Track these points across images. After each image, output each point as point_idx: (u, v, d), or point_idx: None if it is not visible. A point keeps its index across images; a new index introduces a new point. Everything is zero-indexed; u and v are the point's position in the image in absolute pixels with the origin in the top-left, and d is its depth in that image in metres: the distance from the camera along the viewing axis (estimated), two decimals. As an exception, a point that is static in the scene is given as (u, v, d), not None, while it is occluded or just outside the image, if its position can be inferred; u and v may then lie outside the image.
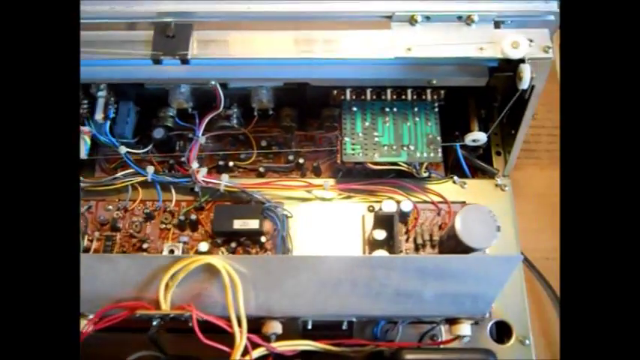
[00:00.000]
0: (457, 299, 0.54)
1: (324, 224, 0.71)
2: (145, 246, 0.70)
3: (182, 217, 0.70)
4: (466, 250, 0.63)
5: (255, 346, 0.53)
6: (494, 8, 0.62)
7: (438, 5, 0.62)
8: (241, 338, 0.52)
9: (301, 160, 0.76)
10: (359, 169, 0.73)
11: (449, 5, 0.62)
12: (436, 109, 0.71)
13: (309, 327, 0.56)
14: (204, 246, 0.68)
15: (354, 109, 0.70)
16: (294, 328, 0.58)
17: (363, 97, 0.71)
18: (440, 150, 0.69)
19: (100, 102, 0.71)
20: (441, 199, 0.72)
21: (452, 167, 0.77)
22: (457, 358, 0.53)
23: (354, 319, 0.55)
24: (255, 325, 0.55)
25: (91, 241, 0.70)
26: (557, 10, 0.62)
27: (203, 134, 0.74)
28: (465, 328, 0.56)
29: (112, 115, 0.73)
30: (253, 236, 0.69)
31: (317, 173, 0.76)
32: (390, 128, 0.70)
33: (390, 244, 0.67)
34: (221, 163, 0.76)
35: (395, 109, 0.70)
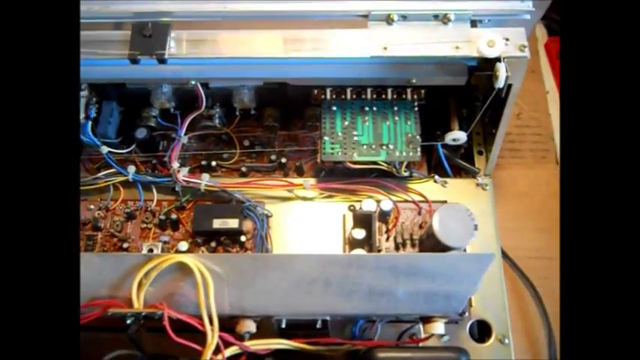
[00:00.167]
0: (430, 297, 0.54)
1: (305, 224, 0.72)
2: (125, 245, 0.70)
3: (163, 217, 0.71)
4: (444, 249, 0.63)
5: (227, 344, 0.53)
6: (471, 7, 0.62)
7: (415, 4, 0.62)
8: (212, 337, 0.52)
9: (284, 160, 0.76)
10: (341, 169, 0.73)
11: (425, 4, 0.62)
12: (416, 109, 0.71)
13: (283, 326, 0.56)
14: (183, 245, 0.68)
15: (334, 108, 0.70)
16: (271, 327, 0.58)
17: (343, 96, 0.71)
18: (419, 149, 0.69)
19: (81, 102, 0.71)
20: (422, 199, 0.72)
21: (434, 167, 0.77)
22: (428, 356, 0.53)
23: (327, 318, 0.55)
24: (230, 324, 0.56)
25: (73, 240, 0.70)
26: (533, 9, 0.62)
27: (186, 134, 0.74)
28: (438, 327, 0.56)
29: (93, 115, 0.73)
30: (233, 236, 0.69)
31: (300, 173, 0.76)
32: (370, 127, 0.70)
33: (369, 243, 0.67)
34: (204, 162, 0.76)
35: (375, 109, 0.70)
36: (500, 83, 0.60)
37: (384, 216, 0.70)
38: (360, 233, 0.67)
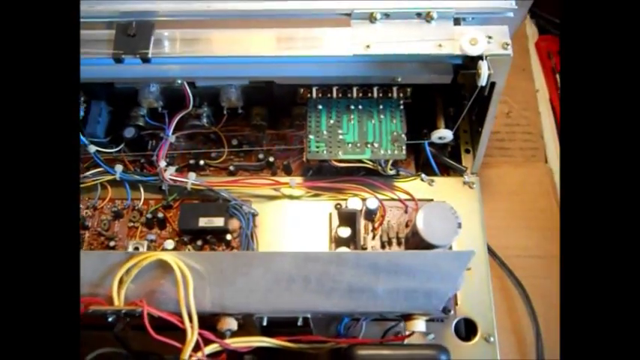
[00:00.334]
0: (410, 295, 0.54)
1: (292, 222, 0.72)
2: (112, 244, 0.71)
3: (149, 216, 0.71)
4: (429, 246, 0.63)
5: (207, 342, 0.53)
6: (454, 5, 0.62)
7: (398, 3, 0.62)
8: (192, 334, 0.52)
9: (271, 159, 0.76)
10: (328, 168, 0.73)
11: (408, 3, 0.62)
12: (401, 107, 0.71)
13: (265, 324, 0.56)
14: (170, 244, 0.69)
15: (320, 107, 0.71)
16: (255, 325, 0.58)
17: (329, 95, 0.71)
18: (404, 147, 0.69)
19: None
20: (408, 197, 0.72)
21: (422, 165, 0.77)
22: (407, 353, 0.53)
23: (308, 316, 0.55)
24: (211, 321, 0.56)
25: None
26: (516, 7, 0.62)
27: (174, 133, 0.74)
28: (419, 324, 0.56)
29: (81, 115, 0.73)
30: (219, 234, 0.69)
31: (287, 172, 0.77)
32: (355, 126, 0.70)
33: (355, 241, 0.67)
34: (192, 161, 0.77)
35: (360, 107, 0.71)
36: (482, 81, 0.60)
37: (370, 214, 0.71)
38: (345, 231, 0.67)
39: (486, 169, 0.84)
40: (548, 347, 0.74)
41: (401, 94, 0.71)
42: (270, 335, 0.57)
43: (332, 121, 0.70)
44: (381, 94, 0.71)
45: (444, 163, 0.75)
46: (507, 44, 0.61)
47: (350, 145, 0.69)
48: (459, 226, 0.63)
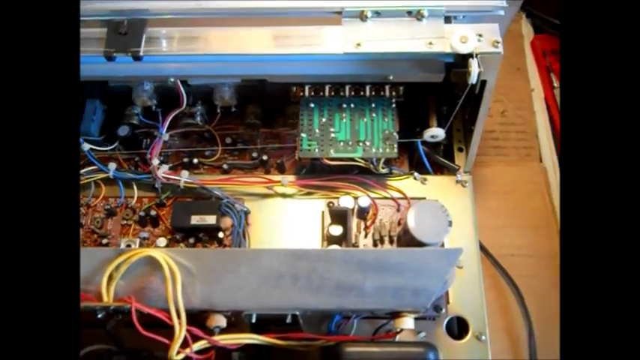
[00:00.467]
0: (398, 292, 0.54)
1: (284, 220, 0.72)
2: (105, 242, 0.71)
3: (142, 214, 0.71)
4: (420, 245, 0.63)
5: (196, 338, 0.53)
6: (444, 3, 0.62)
7: (388, 1, 0.62)
8: (180, 330, 0.52)
9: (265, 157, 0.76)
10: (322, 166, 0.73)
11: (399, 1, 0.62)
12: (393, 105, 0.71)
13: (254, 321, 0.56)
14: (162, 241, 0.69)
15: (312, 105, 0.71)
16: (245, 322, 0.58)
17: (321, 93, 0.71)
18: (396, 145, 0.69)
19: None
20: (401, 195, 0.72)
21: (416, 164, 0.77)
22: (395, 351, 0.53)
23: (297, 313, 0.55)
24: (201, 318, 0.56)
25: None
26: (507, 5, 0.62)
27: (168, 132, 0.75)
28: (408, 322, 0.56)
29: (76, 113, 0.74)
30: (211, 232, 0.70)
31: (281, 170, 0.77)
32: (347, 124, 0.70)
33: (346, 239, 0.67)
34: (186, 160, 0.77)
35: (352, 105, 0.71)
36: (473, 79, 0.60)
37: (362, 213, 0.71)
38: (337, 230, 0.67)
39: (481, 168, 0.84)
40: (541, 346, 0.74)
41: (393, 93, 0.71)
42: (261, 333, 0.57)
43: (324, 120, 0.70)
44: (373, 93, 0.71)
45: (436, 161, 0.75)
46: (498, 42, 0.61)
47: (342, 143, 0.69)
48: (450, 224, 0.63)
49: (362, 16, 0.63)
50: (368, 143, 0.69)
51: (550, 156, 0.86)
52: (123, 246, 0.68)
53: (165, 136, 0.74)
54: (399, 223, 0.71)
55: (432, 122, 0.71)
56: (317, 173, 0.74)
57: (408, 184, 0.73)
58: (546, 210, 0.82)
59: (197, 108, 0.76)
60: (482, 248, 0.78)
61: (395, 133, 0.70)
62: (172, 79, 0.69)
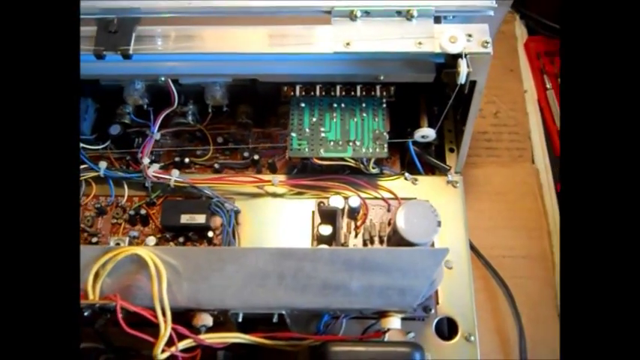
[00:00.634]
0: (384, 292, 0.54)
1: (275, 220, 0.72)
2: (94, 240, 0.71)
3: (132, 212, 0.71)
4: (408, 245, 0.63)
5: (181, 337, 0.53)
6: (434, 4, 0.62)
7: (378, 0, 0.62)
8: (165, 328, 0.52)
9: (257, 157, 0.76)
10: (313, 166, 0.73)
11: (388, 0, 0.62)
12: (384, 105, 0.71)
13: (240, 320, 0.56)
14: (151, 240, 0.69)
15: (302, 105, 0.71)
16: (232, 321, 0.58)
17: (312, 93, 0.71)
18: (386, 145, 0.69)
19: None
20: (391, 196, 0.72)
21: (408, 164, 0.77)
22: (381, 350, 0.52)
23: (283, 312, 0.55)
24: (187, 317, 0.56)
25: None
26: (496, 6, 0.62)
27: (159, 131, 0.75)
28: (394, 322, 0.56)
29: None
30: (201, 231, 0.69)
31: (273, 170, 0.77)
32: (337, 124, 0.70)
33: (336, 239, 0.67)
34: (177, 159, 0.77)
35: (343, 105, 0.71)
36: (462, 79, 0.60)
37: (352, 212, 0.71)
38: (326, 229, 0.67)
39: (473, 169, 0.84)
40: (531, 347, 0.74)
41: (384, 93, 0.71)
42: (250, 332, 0.57)
43: (314, 119, 0.70)
44: (364, 93, 0.71)
45: (428, 162, 0.75)
46: (487, 42, 0.61)
47: (332, 143, 0.69)
48: (439, 224, 0.63)
49: (351, 16, 0.63)
50: (358, 143, 0.69)
51: (542, 157, 0.86)
52: (112, 244, 0.67)
53: (157, 135, 0.74)
54: (389, 224, 0.71)
55: (423, 122, 0.71)
56: (308, 173, 0.74)
57: (398, 185, 0.73)
58: (538, 211, 0.82)
59: (189, 107, 0.76)
60: (473, 249, 0.78)
61: (385, 133, 0.70)
62: (163, 78, 0.69)
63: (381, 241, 0.70)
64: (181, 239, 0.70)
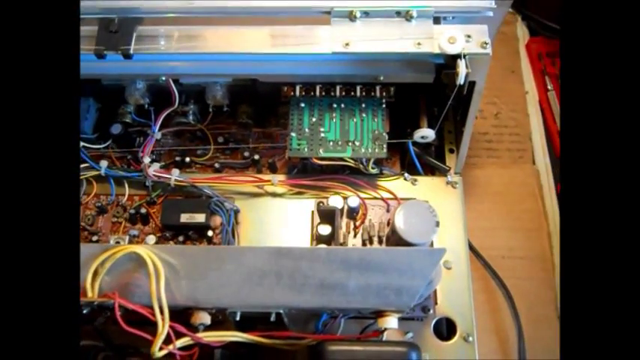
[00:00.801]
0: (381, 292, 0.54)
1: (274, 220, 0.72)
2: (95, 239, 0.71)
3: (132, 211, 0.72)
4: (407, 245, 0.63)
5: (179, 335, 0.54)
6: (433, 4, 0.62)
7: (377, 1, 0.63)
8: (162, 326, 0.52)
9: (257, 157, 0.76)
10: (313, 166, 0.73)
11: (388, 1, 0.62)
12: (384, 106, 0.71)
13: (238, 319, 0.56)
14: (151, 239, 0.69)
15: (302, 105, 0.71)
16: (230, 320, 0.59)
17: (312, 93, 0.71)
18: (385, 146, 0.69)
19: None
20: (391, 196, 0.72)
21: (407, 165, 0.77)
22: (377, 350, 0.53)
23: (280, 311, 0.55)
24: (185, 315, 0.56)
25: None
26: (495, 7, 0.62)
27: (160, 130, 0.75)
28: (391, 321, 0.56)
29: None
30: (200, 230, 0.70)
31: (273, 170, 0.77)
32: (337, 124, 0.70)
33: (334, 238, 0.67)
34: (178, 158, 0.77)
35: (343, 105, 0.71)
36: (460, 80, 0.60)
37: (351, 212, 0.71)
38: (325, 229, 0.67)
39: (473, 170, 0.84)
40: (530, 348, 0.74)
41: (384, 93, 0.71)
42: (248, 331, 0.58)
43: (314, 119, 0.70)
44: (364, 93, 0.71)
45: (427, 162, 0.75)
46: (486, 43, 0.61)
47: (331, 143, 0.70)
48: (437, 224, 0.63)
49: (351, 16, 0.63)
50: (357, 143, 0.69)
51: (543, 158, 0.86)
52: (112, 243, 0.68)
53: (158, 135, 0.75)
54: (388, 224, 0.71)
55: (423, 123, 0.71)
56: (308, 173, 0.74)
57: (398, 185, 0.73)
58: (538, 212, 0.82)
59: (189, 107, 0.76)
60: (473, 250, 0.78)
61: (384, 134, 0.70)
62: (163, 78, 0.69)
63: (380, 241, 0.70)
64: (181, 238, 0.70)
